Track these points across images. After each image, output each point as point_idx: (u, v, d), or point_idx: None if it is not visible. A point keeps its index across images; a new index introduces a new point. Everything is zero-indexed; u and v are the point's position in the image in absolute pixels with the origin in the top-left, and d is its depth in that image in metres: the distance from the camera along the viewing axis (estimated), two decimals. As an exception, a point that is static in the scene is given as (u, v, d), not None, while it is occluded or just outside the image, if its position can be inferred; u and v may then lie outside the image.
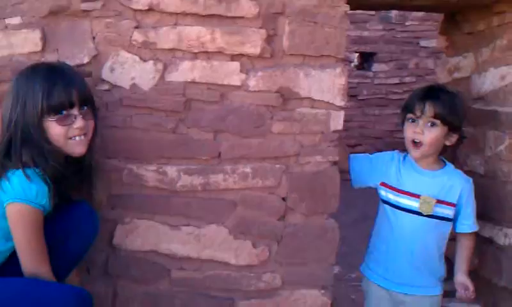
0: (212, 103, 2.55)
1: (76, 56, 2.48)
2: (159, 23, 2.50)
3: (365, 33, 8.78)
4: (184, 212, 2.62)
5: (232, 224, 2.63)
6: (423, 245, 2.74)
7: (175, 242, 2.63)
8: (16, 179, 2.12)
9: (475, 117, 3.06)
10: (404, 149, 2.83)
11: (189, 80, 2.52)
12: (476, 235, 2.83)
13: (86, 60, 2.49)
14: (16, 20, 2.48)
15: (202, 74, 2.52)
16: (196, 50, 2.51)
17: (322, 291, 2.75)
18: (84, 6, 2.47)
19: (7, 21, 2.49)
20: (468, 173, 3.01)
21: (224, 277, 2.67)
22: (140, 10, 2.49)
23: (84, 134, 2.26)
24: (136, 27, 2.49)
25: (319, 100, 2.60)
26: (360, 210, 6.77)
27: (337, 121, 2.64)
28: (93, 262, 2.62)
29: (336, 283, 4.73)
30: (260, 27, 2.51)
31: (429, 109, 2.65)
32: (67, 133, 2.22)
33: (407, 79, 8.88)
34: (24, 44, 2.48)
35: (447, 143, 2.74)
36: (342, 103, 2.62)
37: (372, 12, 8.56)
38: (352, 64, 9.06)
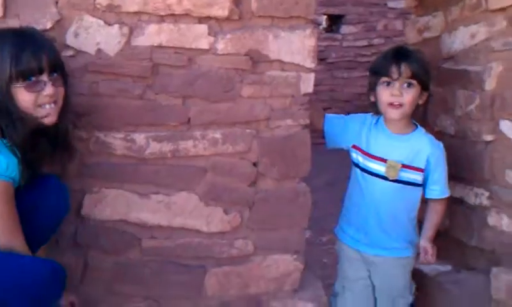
0: (180, 68, 2.50)
1: (38, 21, 2.38)
2: (123, -15, 2.42)
3: (333, -5, 8.76)
4: (154, 179, 2.57)
5: (203, 191, 2.60)
6: (390, 209, 2.75)
7: (144, 211, 2.58)
8: None
9: (445, 77, 3.06)
10: (376, 112, 2.81)
11: (155, 44, 2.46)
12: (447, 200, 2.83)
13: (49, 25, 2.40)
14: (-26, -15, 2.38)
15: (169, 38, 2.46)
16: (162, 13, 2.44)
17: (295, 256, 2.74)
18: (45, -32, 2.38)
19: (-36, -14, 2.39)
20: (439, 133, 3.02)
21: (196, 244, 2.64)
22: (103, -28, 2.41)
23: (54, 102, 2.17)
24: (100, -10, 2.41)
25: (288, 63, 2.57)
26: (331, 173, 6.80)
27: (307, 84, 2.61)
28: (62, 233, 2.55)
29: (308, 247, 4.76)
30: (228, -12, 2.45)
31: (405, 70, 2.63)
32: (36, 101, 2.12)
33: (375, 41, 8.91)
34: (-17, 10, 2.38)
35: (419, 102, 2.73)
36: (313, 66, 2.59)
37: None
38: (321, 27, 9.04)
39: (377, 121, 2.82)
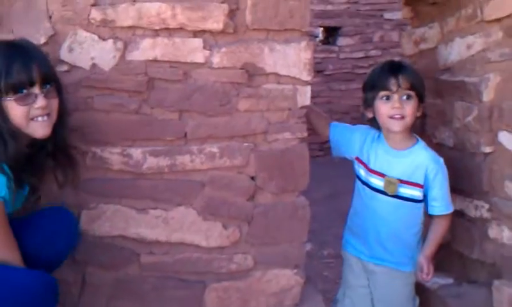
0: (176, 82, 2.48)
1: (32, 36, 2.36)
2: (117, 0, 2.41)
3: (329, 7, 8.78)
4: (151, 194, 2.55)
5: (201, 206, 2.58)
6: (390, 224, 2.74)
7: (143, 226, 2.56)
8: None
9: (442, 88, 3.05)
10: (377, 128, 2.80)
11: (150, 58, 2.45)
12: (450, 216, 2.79)
13: (42, 40, 2.39)
14: (-33, 1, 2.37)
15: (164, 52, 2.45)
16: (157, 27, 2.43)
17: (295, 270, 2.73)
18: (39, -17, 2.38)
19: (-43, 2, 2.38)
20: (437, 145, 3.01)
21: (195, 260, 2.62)
22: (97, -14, 2.41)
23: (48, 115, 2.13)
24: (93, 5, 2.40)
25: (285, 76, 2.56)
26: (331, 186, 6.78)
27: (304, 97, 2.60)
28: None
29: (309, 261, 4.74)
30: (222, 2, 2.44)
31: (403, 81, 2.62)
32: (28, 114, 2.08)
33: (372, 53, 8.91)
34: (-24, 25, 2.37)
35: (418, 114, 2.71)
36: (309, 78, 2.59)
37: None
38: (317, 39, 9.04)
39: (379, 135, 2.80)
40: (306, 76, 2.58)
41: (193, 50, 2.47)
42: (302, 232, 2.70)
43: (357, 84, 8.67)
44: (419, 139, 2.78)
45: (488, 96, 2.83)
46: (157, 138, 2.52)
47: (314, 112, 2.89)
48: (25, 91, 2.07)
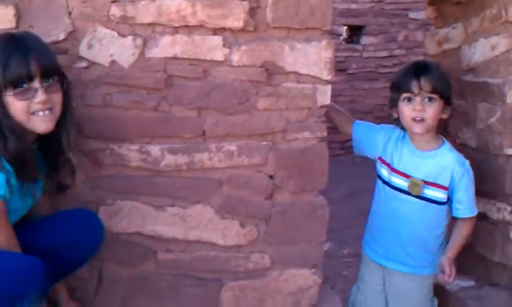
0: (195, 80, 2.48)
1: (52, 33, 2.38)
2: (137, -3, 2.41)
3: (353, 6, 8.72)
4: (169, 192, 2.55)
5: (218, 204, 2.58)
6: (412, 225, 2.71)
7: (160, 223, 2.56)
8: None
9: (466, 89, 3.01)
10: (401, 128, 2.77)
11: (170, 55, 2.44)
12: (474, 219, 2.75)
13: (62, 36, 2.39)
14: (-12, -4, 2.38)
15: (184, 49, 2.44)
16: (176, 25, 2.42)
17: (313, 270, 2.71)
18: (60, -20, 2.38)
19: (-22, -3, 2.39)
20: (460, 146, 2.98)
21: (212, 258, 2.62)
22: (117, -17, 2.41)
23: (50, 109, 2.08)
24: (113, 1, 2.40)
25: (305, 74, 2.54)
26: (351, 185, 6.75)
27: (324, 96, 2.58)
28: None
29: (328, 260, 4.73)
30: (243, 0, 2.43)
31: (425, 84, 2.58)
32: (29, 109, 2.04)
33: (396, 52, 8.84)
34: (-4, 21, 2.37)
35: (443, 117, 2.68)
36: (329, 77, 2.56)
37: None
38: (341, 38, 9.00)
39: (404, 135, 2.78)
40: (326, 75, 2.55)
41: (213, 48, 2.46)
42: (320, 232, 2.69)
43: (380, 83, 8.64)
44: (445, 140, 2.75)
45: (511, 97, 2.78)
46: (175, 135, 2.51)
47: (335, 110, 2.87)
48: (25, 85, 2.03)
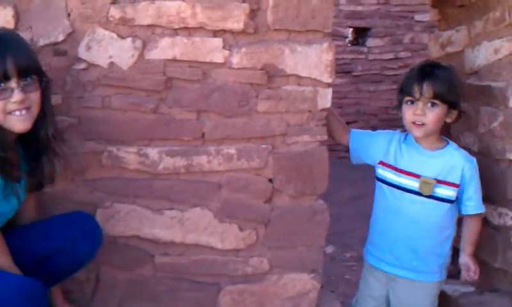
0: (194, 82, 2.46)
1: (51, 34, 2.38)
2: (136, -2, 2.40)
3: (359, 8, 8.72)
4: (167, 195, 2.53)
5: (217, 208, 2.56)
6: (422, 226, 2.69)
7: (157, 227, 2.55)
8: None
9: (468, 93, 2.98)
10: (401, 127, 2.77)
11: (169, 57, 2.43)
12: (482, 215, 2.77)
13: (61, 38, 2.39)
14: (-14, -3, 2.37)
15: (183, 51, 2.43)
16: (176, 26, 2.41)
17: (312, 274, 2.69)
18: (59, -20, 2.37)
19: (-24, -2, 2.38)
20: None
21: (210, 262, 2.60)
22: (116, -16, 2.39)
23: (27, 109, 2.05)
24: (113, 3, 2.38)
25: (305, 77, 2.52)
26: (355, 187, 6.75)
27: (325, 99, 2.56)
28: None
29: (331, 263, 4.72)
30: (243, 1, 2.42)
31: (427, 89, 2.57)
32: (5, 108, 2.01)
33: (402, 54, 8.83)
34: (-6, 22, 2.36)
35: (448, 120, 2.68)
36: (330, 80, 2.54)
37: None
38: (347, 40, 8.99)
39: (405, 137, 2.77)
40: (327, 78, 2.53)
41: (213, 50, 2.44)
42: (320, 236, 2.66)
43: (386, 86, 8.64)
44: (449, 140, 2.76)
45: (514, 102, 2.76)
46: (174, 138, 2.50)
47: (333, 117, 2.84)
48: (1, 85, 1.99)
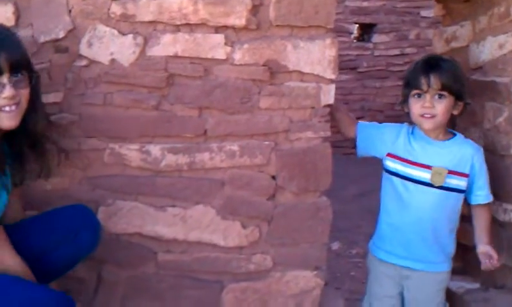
0: (196, 78, 2.45)
1: (52, 31, 2.37)
2: (137, -5, 2.39)
3: (365, 4, 8.71)
4: (169, 192, 2.53)
5: (220, 205, 2.55)
6: (433, 217, 2.67)
7: (160, 224, 2.54)
8: None
9: (473, 88, 2.95)
10: (410, 122, 2.74)
11: (171, 54, 2.42)
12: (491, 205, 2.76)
13: (61, 35, 2.38)
14: (-15, -7, 2.37)
15: (185, 48, 2.42)
16: (178, 23, 2.40)
17: (315, 272, 2.67)
18: (60, -23, 2.36)
19: (-24, -5, 2.38)
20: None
21: (213, 259, 2.60)
22: (117, -19, 2.38)
23: (16, 104, 2.03)
24: (114, -1, 2.38)
25: (308, 73, 2.51)
26: (359, 184, 6.74)
27: (328, 95, 2.55)
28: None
29: (337, 259, 4.70)
30: (245, -3, 2.40)
31: (435, 81, 2.56)
32: None
33: (408, 50, 8.81)
34: (-5, 19, 2.35)
35: (455, 112, 2.66)
36: (333, 76, 2.53)
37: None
38: (352, 36, 8.97)
39: (413, 130, 2.75)
40: (330, 74, 2.52)
41: (215, 46, 2.43)
42: (323, 233, 2.65)
43: (391, 82, 8.62)
44: (456, 132, 2.74)
45: (519, 97, 2.74)
46: (176, 135, 2.49)
47: (341, 111, 2.83)
48: None
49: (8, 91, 1.99)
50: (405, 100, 2.71)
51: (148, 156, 2.48)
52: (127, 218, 2.53)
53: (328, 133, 2.58)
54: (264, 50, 2.45)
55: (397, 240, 2.73)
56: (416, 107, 2.62)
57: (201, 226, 2.55)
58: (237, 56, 2.45)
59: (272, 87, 2.49)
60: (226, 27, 2.43)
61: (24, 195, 2.41)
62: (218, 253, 2.59)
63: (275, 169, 2.55)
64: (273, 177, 2.57)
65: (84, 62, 2.42)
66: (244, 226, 2.57)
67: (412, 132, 2.74)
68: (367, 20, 8.81)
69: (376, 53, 8.86)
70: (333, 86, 2.54)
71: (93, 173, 2.50)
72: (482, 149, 2.71)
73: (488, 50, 2.94)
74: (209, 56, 2.44)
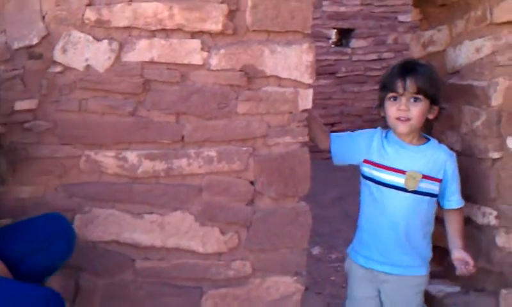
0: (173, 84, 2.44)
1: (25, 37, 2.34)
2: (112, 0, 2.36)
3: (342, 8, 8.74)
4: (146, 199, 2.51)
5: (198, 211, 2.53)
6: (407, 221, 2.67)
7: (138, 231, 2.52)
8: None
9: (450, 92, 2.97)
10: (385, 127, 2.75)
11: (147, 60, 2.41)
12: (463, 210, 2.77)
13: (35, 41, 2.35)
14: (-43, 0, 2.34)
15: (161, 53, 2.40)
16: (153, 28, 2.39)
17: (295, 277, 2.66)
18: (32, -18, 2.33)
19: None
20: (445, 150, 2.94)
21: (192, 265, 2.57)
22: (91, -14, 2.37)
23: None
24: (88, 5, 2.36)
25: (286, 78, 2.50)
26: (338, 188, 6.74)
27: (306, 100, 2.54)
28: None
29: (316, 264, 4.69)
30: (221, 2, 2.40)
31: (411, 84, 2.57)
32: None
33: (386, 55, 8.86)
34: (-33, 26, 2.33)
35: (430, 117, 2.67)
36: (311, 81, 2.53)
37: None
38: (330, 41, 9.00)
39: (386, 134, 2.75)
40: (308, 79, 2.52)
41: (191, 52, 2.42)
42: (303, 238, 2.64)
43: (369, 87, 8.65)
44: (430, 137, 2.75)
45: (496, 100, 2.75)
46: (153, 141, 2.47)
47: (316, 124, 2.82)
48: None
49: None
50: (381, 104, 2.71)
51: (125, 163, 2.46)
52: (103, 226, 2.50)
53: (307, 138, 2.58)
54: (241, 55, 2.44)
55: (375, 245, 2.73)
56: (391, 110, 2.62)
57: (179, 232, 2.53)
58: (214, 61, 2.43)
59: (250, 92, 2.48)
60: (202, 32, 2.42)
61: (-2, 203, 2.37)
62: (197, 260, 2.57)
63: (253, 174, 2.54)
64: (252, 183, 2.55)
65: (58, 69, 2.39)
66: (222, 232, 2.55)
67: (386, 136, 2.75)
68: (344, 25, 8.85)
69: (354, 58, 8.89)
70: (310, 91, 2.54)
71: (68, 180, 2.47)
72: (455, 155, 2.72)
73: (464, 54, 2.95)
74: (186, 62, 2.42)
